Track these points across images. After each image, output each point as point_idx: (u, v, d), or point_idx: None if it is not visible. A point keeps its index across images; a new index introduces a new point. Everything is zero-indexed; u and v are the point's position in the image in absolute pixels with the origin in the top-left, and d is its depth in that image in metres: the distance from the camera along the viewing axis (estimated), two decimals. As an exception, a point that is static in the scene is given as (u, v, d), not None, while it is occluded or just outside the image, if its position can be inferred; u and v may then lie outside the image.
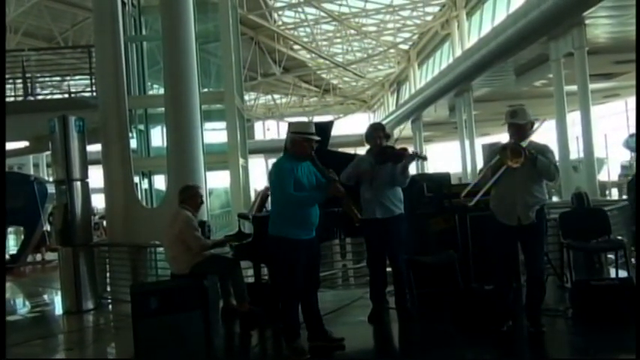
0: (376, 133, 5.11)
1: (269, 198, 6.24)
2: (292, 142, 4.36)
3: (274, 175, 4.33)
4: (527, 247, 4.46)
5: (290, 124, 4.60)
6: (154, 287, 5.05)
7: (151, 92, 11.38)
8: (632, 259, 6.46)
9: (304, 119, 32.23)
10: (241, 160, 10.39)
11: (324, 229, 4.63)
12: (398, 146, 5.16)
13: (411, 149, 5.07)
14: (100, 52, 8.28)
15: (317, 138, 4.39)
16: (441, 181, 6.17)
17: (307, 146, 4.32)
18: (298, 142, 4.33)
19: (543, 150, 4.39)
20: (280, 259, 4.39)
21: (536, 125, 4.46)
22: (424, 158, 5.60)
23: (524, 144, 4.31)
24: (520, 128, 4.38)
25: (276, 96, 39.52)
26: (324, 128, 5.78)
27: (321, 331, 4.44)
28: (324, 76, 36.24)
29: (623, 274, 5.77)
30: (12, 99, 11.03)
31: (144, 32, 11.18)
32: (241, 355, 4.76)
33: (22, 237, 12.78)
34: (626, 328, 4.40)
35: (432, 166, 32.78)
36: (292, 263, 4.26)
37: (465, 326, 4.87)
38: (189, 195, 5.40)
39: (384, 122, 31.95)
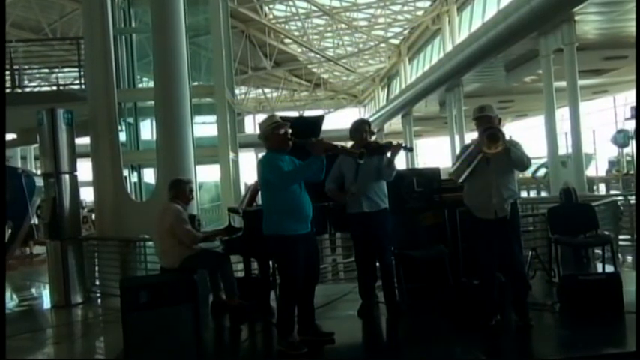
0: (362, 127, 5.10)
1: (259, 192, 6.26)
2: (266, 138, 4.29)
3: (262, 167, 4.26)
4: (506, 241, 4.49)
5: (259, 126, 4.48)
6: (144, 281, 5.04)
7: (140, 85, 11.30)
8: (619, 254, 6.54)
9: (295, 114, 32.24)
10: (231, 154, 10.35)
11: (314, 223, 4.63)
12: (384, 141, 5.17)
13: (395, 142, 5.07)
14: (89, 44, 8.20)
15: (285, 123, 4.32)
16: (431, 176, 6.17)
17: (280, 134, 4.25)
18: (270, 134, 4.27)
19: (513, 144, 4.45)
20: (279, 258, 4.35)
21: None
22: (410, 149, 5.63)
23: None
24: (490, 121, 4.44)
25: (266, 90, 39.38)
26: (315, 122, 5.78)
27: (311, 326, 4.44)
28: (314, 70, 36.14)
29: (609, 268, 5.85)
30: (-1, 91, 10.90)
31: (133, 24, 11.08)
32: (231, 349, 4.75)
33: (10, 230, 12.67)
34: (613, 322, 4.48)
35: (422, 161, 33.07)
36: (292, 260, 4.18)
37: (454, 320, 4.90)
38: (180, 191, 5.37)
39: (374, 117, 32.27)
